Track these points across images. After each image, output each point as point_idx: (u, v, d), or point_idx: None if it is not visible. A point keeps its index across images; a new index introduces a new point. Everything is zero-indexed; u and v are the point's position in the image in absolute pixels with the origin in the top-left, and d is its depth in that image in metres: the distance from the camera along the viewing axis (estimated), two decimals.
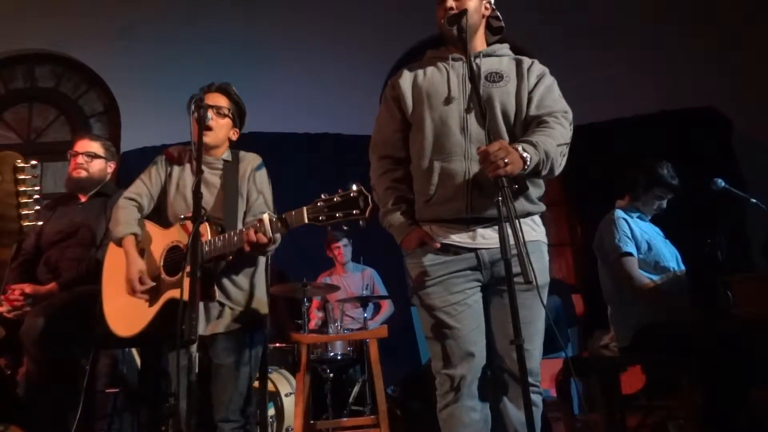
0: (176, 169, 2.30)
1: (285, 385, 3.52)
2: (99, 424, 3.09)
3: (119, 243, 2.19)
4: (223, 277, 2.14)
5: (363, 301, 4.09)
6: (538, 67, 1.90)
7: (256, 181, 2.29)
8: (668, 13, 5.45)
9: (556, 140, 1.74)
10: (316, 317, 4.49)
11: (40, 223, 2.66)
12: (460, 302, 1.78)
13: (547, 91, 1.85)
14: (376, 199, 1.91)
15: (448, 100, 1.83)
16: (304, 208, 1.83)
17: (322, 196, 1.81)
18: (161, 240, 2.17)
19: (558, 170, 1.78)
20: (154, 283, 2.11)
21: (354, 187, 1.77)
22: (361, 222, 1.76)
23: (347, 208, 1.76)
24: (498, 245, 1.58)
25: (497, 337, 1.78)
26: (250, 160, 2.33)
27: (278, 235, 1.97)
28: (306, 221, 1.83)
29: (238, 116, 2.35)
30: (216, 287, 2.12)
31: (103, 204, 2.76)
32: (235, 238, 1.96)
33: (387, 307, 4.60)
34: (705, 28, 5.37)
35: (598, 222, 3.08)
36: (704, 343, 2.57)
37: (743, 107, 5.08)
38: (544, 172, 1.74)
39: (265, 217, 1.92)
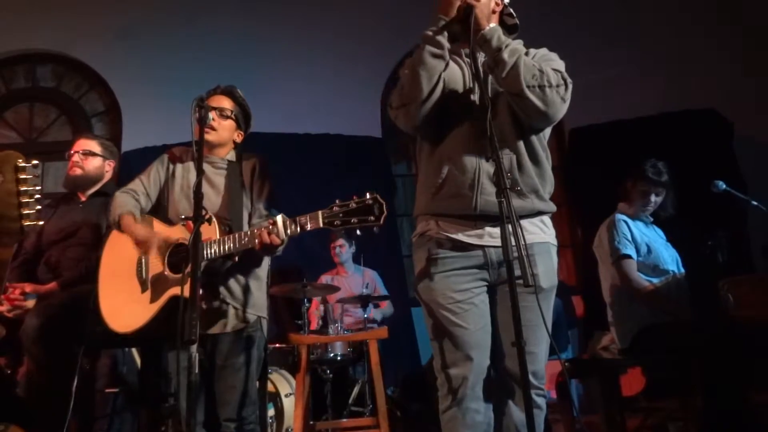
0: (179, 169, 2.30)
1: (285, 385, 3.52)
2: (99, 424, 3.08)
3: (118, 224, 2.18)
4: (228, 277, 2.14)
5: (363, 301, 4.09)
6: (540, 50, 1.84)
7: (258, 181, 2.29)
8: (668, 14, 5.46)
9: (532, 60, 1.70)
10: (316, 318, 4.50)
11: (41, 222, 2.66)
12: (465, 301, 1.74)
13: (541, 58, 1.79)
14: (409, 71, 1.74)
15: (463, 96, 1.80)
16: (320, 212, 1.85)
17: (337, 202, 1.83)
18: (167, 236, 2.16)
19: (525, 88, 1.65)
20: (162, 245, 2.11)
21: (368, 195, 1.80)
22: (375, 228, 1.78)
23: (362, 215, 1.79)
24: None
25: (503, 339, 1.75)
26: (252, 161, 2.34)
27: (287, 237, 1.98)
28: (321, 225, 1.84)
29: (243, 119, 2.35)
30: (221, 287, 2.13)
31: (103, 204, 2.75)
32: (246, 239, 1.97)
33: (386, 306, 4.60)
34: (705, 29, 5.37)
35: (598, 223, 3.09)
36: (704, 345, 2.57)
37: (744, 109, 5.09)
38: (502, 73, 1.67)
39: (279, 218, 1.93)
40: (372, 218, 1.78)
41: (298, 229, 1.90)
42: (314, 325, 4.38)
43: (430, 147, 1.85)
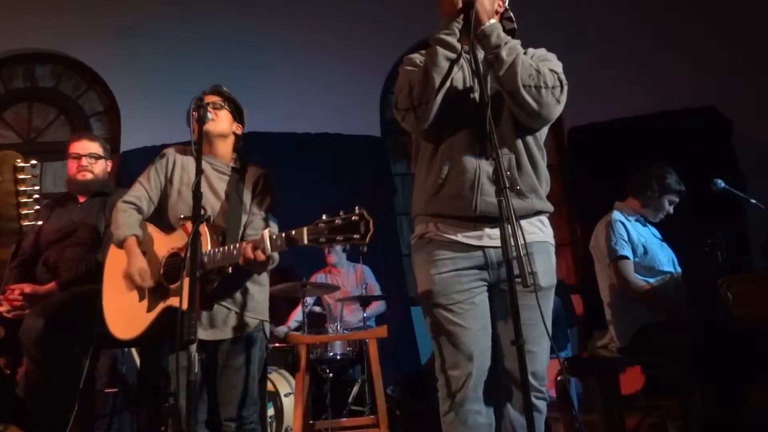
0: (179, 169, 2.28)
1: (284, 385, 3.53)
2: (99, 424, 3.08)
3: (121, 245, 2.17)
4: (229, 282, 2.12)
5: (362, 301, 4.09)
6: (538, 50, 1.84)
7: (260, 194, 2.26)
8: (668, 13, 5.46)
9: (530, 60, 1.70)
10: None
11: (40, 222, 2.65)
12: (465, 301, 1.73)
13: (539, 58, 1.79)
14: (420, 73, 1.72)
15: (464, 95, 1.79)
16: (305, 229, 1.81)
17: (324, 217, 1.78)
18: (163, 246, 2.15)
19: (521, 87, 1.65)
20: (153, 283, 2.10)
21: (356, 210, 1.75)
22: (362, 247, 1.74)
23: (348, 232, 1.73)
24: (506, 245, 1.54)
25: (502, 339, 1.73)
26: (257, 172, 2.30)
27: (276, 254, 1.95)
28: (306, 242, 1.80)
29: (236, 111, 2.34)
30: (222, 292, 2.11)
31: (102, 203, 2.75)
32: (234, 252, 1.93)
33: (378, 303, 4.56)
34: (705, 28, 5.37)
35: (597, 222, 3.08)
36: (703, 344, 2.57)
37: (743, 107, 5.09)
38: (500, 71, 1.67)
39: (266, 233, 1.89)
40: (357, 236, 1.72)
41: (285, 244, 1.86)
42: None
43: (429, 146, 1.83)
